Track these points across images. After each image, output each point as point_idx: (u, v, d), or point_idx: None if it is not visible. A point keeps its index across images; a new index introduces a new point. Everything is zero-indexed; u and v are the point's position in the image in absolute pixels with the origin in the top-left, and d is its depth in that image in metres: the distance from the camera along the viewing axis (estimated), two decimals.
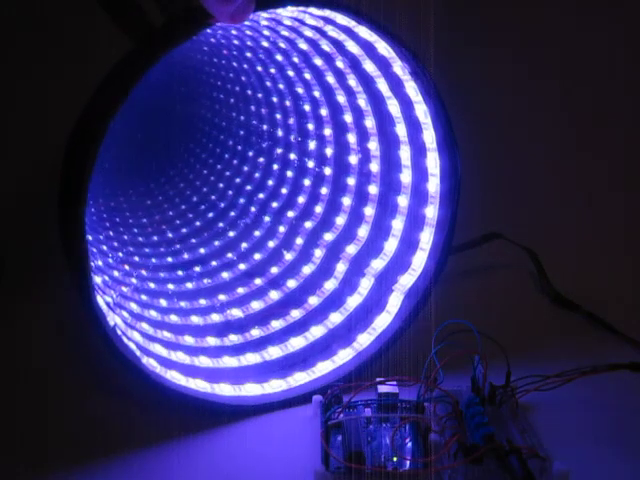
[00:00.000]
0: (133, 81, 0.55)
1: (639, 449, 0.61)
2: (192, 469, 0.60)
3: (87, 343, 0.61)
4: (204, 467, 0.60)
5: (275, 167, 0.92)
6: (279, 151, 0.91)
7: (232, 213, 0.94)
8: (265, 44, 0.79)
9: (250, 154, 0.97)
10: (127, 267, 0.83)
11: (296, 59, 0.78)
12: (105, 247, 0.85)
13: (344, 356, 0.71)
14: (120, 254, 0.86)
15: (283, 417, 0.67)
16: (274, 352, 0.72)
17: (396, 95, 0.69)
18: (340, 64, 0.72)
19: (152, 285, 0.81)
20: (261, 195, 0.93)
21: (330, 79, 0.76)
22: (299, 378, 0.69)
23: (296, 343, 0.72)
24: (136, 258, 0.86)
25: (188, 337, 0.72)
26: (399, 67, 0.66)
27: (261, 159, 0.94)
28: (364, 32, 0.63)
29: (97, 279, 0.67)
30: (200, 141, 1.09)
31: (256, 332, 0.74)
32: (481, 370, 0.63)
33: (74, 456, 0.61)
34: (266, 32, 0.76)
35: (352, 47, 0.68)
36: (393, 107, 0.70)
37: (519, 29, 0.86)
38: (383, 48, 0.65)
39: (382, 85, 0.69)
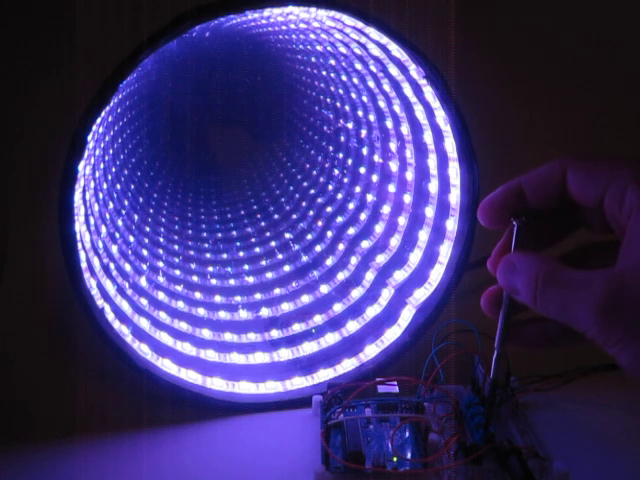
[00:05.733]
0: None
1: (639, 449, 0.60)
2: (189, 468, 0.60)
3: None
4: (203, 467, 0.60)
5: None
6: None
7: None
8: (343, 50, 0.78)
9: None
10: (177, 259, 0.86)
11: (344, 64, 0.77)
12: (162, 239, 0.88)
13: (347, 365, 0.69)
14: (176, 246, 0.89)
15: (283, 417, 0.66)
16: (284, 354, 0.71)
17: (420, 101, 0.67)
18: (373, 68, 0.71)
19: (195, 278, 0.83)
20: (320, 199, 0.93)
21: (371, 84, 0.74)
22: (297, 382, 0.68)
23: (308, 348, 0.71)
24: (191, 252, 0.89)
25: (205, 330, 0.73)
26: (414, 71, 0.63)
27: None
28: (374, 34, 0.62)
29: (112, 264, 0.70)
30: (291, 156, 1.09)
31: (275, 333, 0.74)
32: (481, 370, 0.63)
33: (60, 440, 0.62)
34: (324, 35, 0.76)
35: (374, 50, 0.66)
36: (420, 113, 0.68)
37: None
38: (396, 50, 0.63)
39: (407, 90, 0.67)
